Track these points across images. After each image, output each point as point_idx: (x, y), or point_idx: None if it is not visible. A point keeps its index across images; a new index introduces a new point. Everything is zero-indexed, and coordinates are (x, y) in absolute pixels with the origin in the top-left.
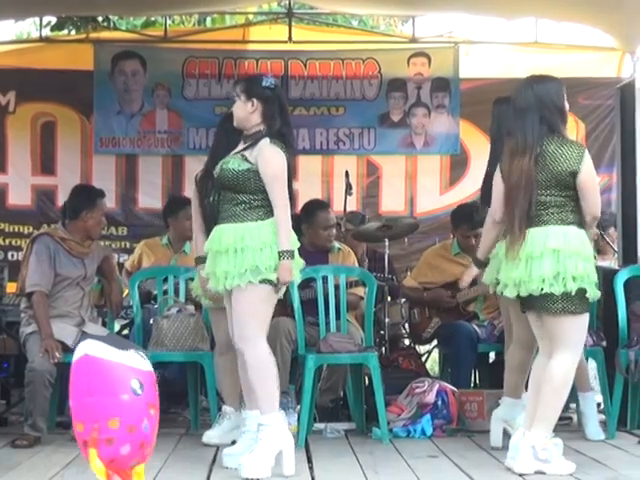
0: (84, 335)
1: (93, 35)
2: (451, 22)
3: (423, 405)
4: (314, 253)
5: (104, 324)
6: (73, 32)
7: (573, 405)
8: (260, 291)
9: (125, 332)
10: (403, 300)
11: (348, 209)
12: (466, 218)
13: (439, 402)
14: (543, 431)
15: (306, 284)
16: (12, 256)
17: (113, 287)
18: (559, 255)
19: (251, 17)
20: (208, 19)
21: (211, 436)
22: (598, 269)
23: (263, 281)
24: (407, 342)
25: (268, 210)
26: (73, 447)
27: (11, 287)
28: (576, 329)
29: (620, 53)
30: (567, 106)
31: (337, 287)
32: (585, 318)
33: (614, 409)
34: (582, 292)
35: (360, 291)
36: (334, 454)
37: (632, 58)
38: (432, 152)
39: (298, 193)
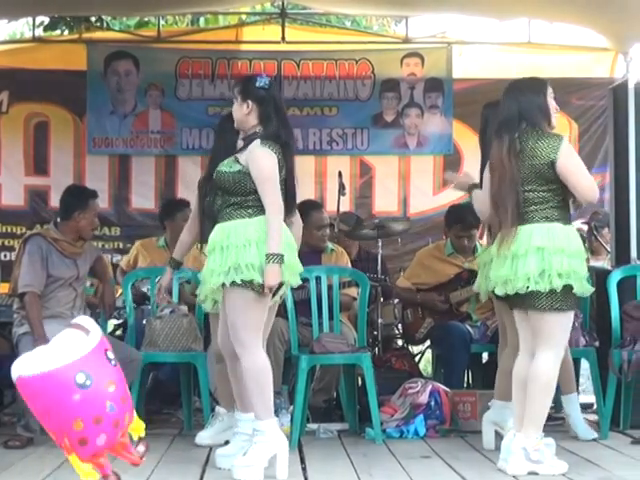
0: None
1: (86, 35)
2: (444, 22)
3: (416, 405)
4: (307, 253)
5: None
6: (66, 32)
7: None
8: (247, 296)
9: (118, 332)
10: (396, 300)
11: (341, 209)
12: (459, 219)
13: (432, 402)
14: (533, 432)
15: (299, 284)
16: (5, 256)
17: (106, 288)
18: (544, 252)
19: (244, 17)
20: (201, 19)
21: (203, 437)
22: (591, 269)
23: (248, 284)
24: (400, 342)
25: (258, 209)
26: None
27: (3, 287)
28: (561, 326)
29: (613, 53)
30: (552, 103)
31: (330, 287)
32: (570, 316)
33: (607, 409)
34: (568, 289)
35: (353, 291)
36: (327, 455)
37: (625, 59)
38: (425, 152)
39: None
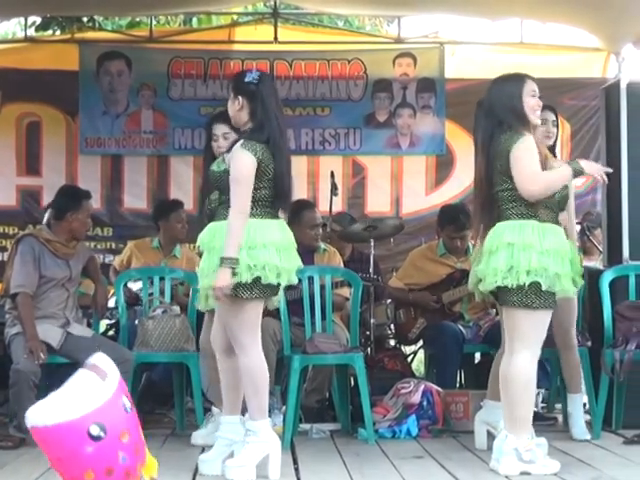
0: (69, 336)
1: (78, 35)
2: (436, 23)
3: (408, 406)
4: (300, 253)
5: (89, 325)
6: (58, 32)
7: (558, 405)
8: (236, 298)
9: (111, 333)
10: (389, 301)
11: (334, 210)
12: (452, 219)
13: (424, 403)
14: (524, 432)
15: (292, 285)
16: None
17: (98, 288)
18: (513, 249)
19: (237, 17)
20: (194, 19)
21: (197, 436)
22: (583, 268)
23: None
24: (393, 343)
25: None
26: None
27: None
28: (532, 325)
29: (605, 54)
30: (529, 101)
31: (323, 287)
32: (543, 315)
33: (599, 409)
34: (538, 286)
35: (346, 292)
36: (320, 455)
37: (617, 59)
38: (418, 152)
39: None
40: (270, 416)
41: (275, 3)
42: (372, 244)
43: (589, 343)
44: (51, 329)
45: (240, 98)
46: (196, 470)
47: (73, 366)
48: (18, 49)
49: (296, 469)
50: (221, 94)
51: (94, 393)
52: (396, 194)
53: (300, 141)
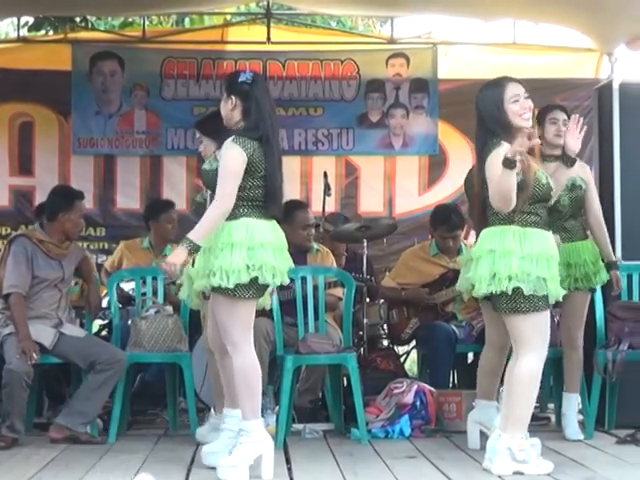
0: (62, 336)
1: (71, 35)
2: (430, 23)
3: (401, 406)
4: (293, 254)
5: (82, 325)
6: (51, 32)
7: (551, 405)
8: (232, 298)
9: (104, 333)
10: (382, 301)
11: (327, 210)
12: (444, 220)
13: (417, 403)
14: (518, 432)
15: (285, 285)
16: None
17: (91, 288)
18: (494, 255)
19: (229, 18)
20: (186, 20)
21: (200, 433)
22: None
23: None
24: (386, 343)
25: (241, 210)
26: (51, 449)
27: None
28: (531, 328)
29: (598, 54)
30: (512, 107)
31: (316, 288)
32: (539, 317)
33: (592, 409)
34: (521, 291)
35: (339, 292)
36: (313, 455)
37: (610, 59)
38: (411, 153)
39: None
40: (263, 416)
41: (268, 3)
42: (365, 244)
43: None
44: (44, 329)
45: (233, 97)
46: (189, 470)
47: (66, 366)
48: (11, 49)
49: (289, 469)
50: (214, 94)
51: None
52: (389, 194)
53: (293, 141)
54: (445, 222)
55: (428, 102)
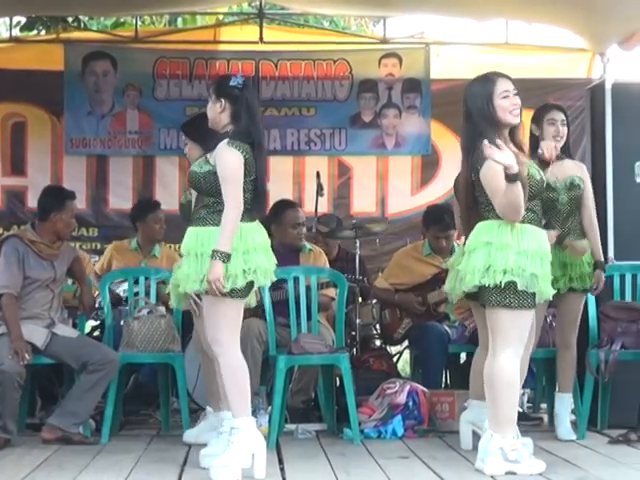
0: (54, 336)
1: (63, 35)
2: (422, 23)
3: (394, 406)
4: (285, 254)
5: (75, 325)
6: (43, 32)
7: (544, 405)
8: (224, 302)
9: (96, 334)
10: (374, 301)
11: (319, 210)
12: (437, 219)
13: (410, 403)
14: (509, 432)
15: (277, 285)
16: None
17: (84, 289)
18: (490, 248)
19: (222, 18)
20: (179, 19)
21: (189, 435)
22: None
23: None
24: (378, 343)
25: None
26: (43, 449)
27: None
28: (512, 324)
29: (590, 54)
30: (501, 105)
31: (308, 288)
32: (524, 314)
33: (584, 409)
34: (516, 286)
35: (331, 292)
36: (305, 455)
37: (602, 59)
38: (403, 153)
39: (269, 194)
40: (256, 417)
41: (260, 3)
42: (358, 244)
43: None
44: (36, 330)
45: (223, 100)
46: (182, 471)
47: (58, 366)
48: (3, 49)
49: (282, 469)
50: (207, 94)
51: None
52: (382, 194)
53: (286, 141)
54: (438, 222)
55: (421, 102)
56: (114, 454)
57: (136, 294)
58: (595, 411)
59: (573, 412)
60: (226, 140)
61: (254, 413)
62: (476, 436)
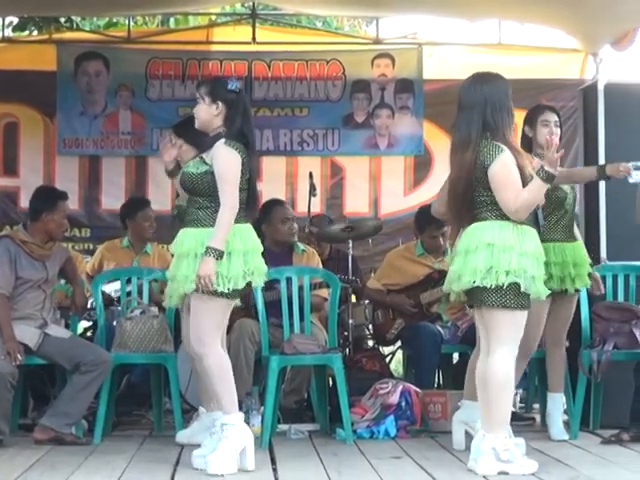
0: (46, 337)
1: (56, 36)
2: (415, 23)
3: (387, 406)
4: (278, 254)
5: (67, 326)
6: (35, 32)
7: (536, 405)
8: (216, 302)
9: (89, 334)
10: (367, 301)
11: (312, 210)
12: (431, 219)
13: (403, 403)
14: (501, 432)
15: (270, 285)
16: None
17: (76, 289)
18: (493, 249)
19: (214, 18)
20: (171, 20)
21: (181, 436)
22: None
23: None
24: (371, 343)
25: None
26: (36, 449)
27: None
28: (511, 325)
29: (583, 55)
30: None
31: (301, 288)
32: (521, 315)
33: (577, 409)
34: (517, 287)
35: (324, 292)
36: (298, 455)
37: (594, 60)
38: (396, 153)
39: (262, 194)
40: (248, 417)
41: (253, 4)
42: (350, 245)
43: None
44: (28, 330)
45: (220, 104)
46: (174, 471)
47: (50, 367)
48: None
49: (274, 469)
50: None
51: None
52: (374, 195)
53: (278, 142)
54: (433, 221)
55: (413, 102)
56: (107, 454)
57: (128, 294)
58: (587, 411)
59: (565, 412)
60: (223, 140)
61: (246, 413)
62: (469, 436)
